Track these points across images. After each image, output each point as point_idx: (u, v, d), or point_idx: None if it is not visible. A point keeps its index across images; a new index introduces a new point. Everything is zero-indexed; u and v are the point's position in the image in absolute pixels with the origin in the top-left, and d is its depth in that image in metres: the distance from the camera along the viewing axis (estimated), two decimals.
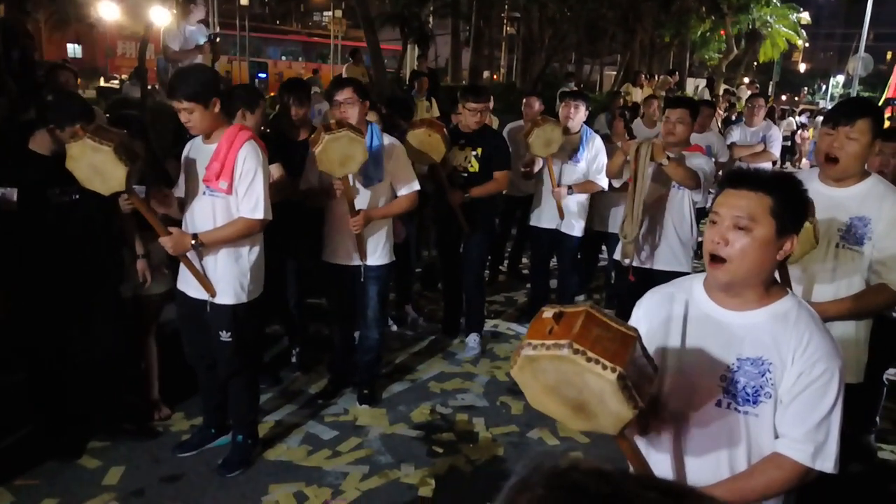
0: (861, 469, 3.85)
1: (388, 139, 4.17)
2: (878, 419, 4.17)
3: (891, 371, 4.42)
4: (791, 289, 2.40)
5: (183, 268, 3.40)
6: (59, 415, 3.68)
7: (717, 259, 1.71)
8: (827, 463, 1.69)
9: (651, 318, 1.89)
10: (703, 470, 1.78)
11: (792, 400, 1.69)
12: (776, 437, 1.72)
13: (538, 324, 1.49)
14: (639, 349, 1.49)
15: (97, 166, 2.96)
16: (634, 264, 4.44)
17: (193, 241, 3.25)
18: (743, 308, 1.76)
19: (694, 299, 1.83)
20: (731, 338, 1.75)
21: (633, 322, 1.94)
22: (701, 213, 6.59)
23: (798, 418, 1.68)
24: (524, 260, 7.25)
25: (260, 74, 24.36)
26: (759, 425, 1.73)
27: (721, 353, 1.75)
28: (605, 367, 1.39)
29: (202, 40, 6.85)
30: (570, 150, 5.39)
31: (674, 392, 1.80)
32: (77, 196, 3.28)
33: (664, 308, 1.87)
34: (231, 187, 3.25)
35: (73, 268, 3.44)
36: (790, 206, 1.70)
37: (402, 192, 4.17)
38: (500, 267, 7.25)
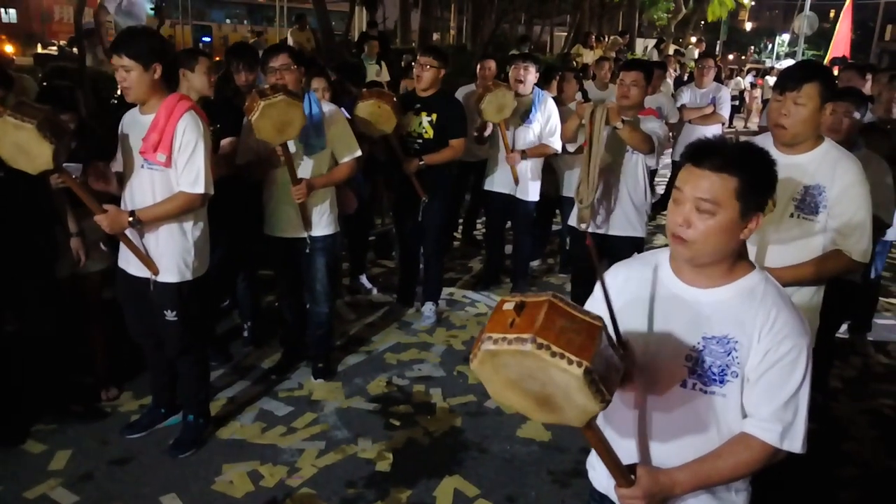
0: (812, 428, 3.92)
1: (326, 106, 4.05)
2: (828, 379, 4.25)
3: (840, 329, 4.51)
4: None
5: (123, 245, 3.25)
6: (0, 398, 3.53)
7: (678, 239, 1.66)
8: (795, 443, 1.66)
9: (615, 296, 1.80)
10: (670, 453, 1.74)
11: (759, 378, 1.64)
12: (744, 416, 1.68)
13: (499, 316, 1.42)
14: (605, 340, 1.42)
15: (21, 145, 2.78)
16: (590, 230, 4.43)
17: (131, 219, 3.11)
18: (708, 285, 1.70)
19: (659, 277, 1.77)
20: (697, 316, 1.69)
21: (596, 300, 1.88)
22: (653, 176, 6.66)
23: (765, 397, 1.64)
24: (479, 226, 7.20)
25: (204, 38, 23.63)
26: (727, 405, 1.67)
27: (686, 332, 1.70)
28: (570, 362, 1.32)
29: (148, 6, 6.57)
30: (521, 113, 5.34)
31: (639, 374, 1.74)
32: (2, 174, 3.09)
33: (628, 287, 1.80)
34: (170, 160, 3.10)
35: (1, 248, 3.26)
36: (756, 186, 1.63)
37: (344, 159, 4.06)
38: (455, 234, 7.19)
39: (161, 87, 3.14)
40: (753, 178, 1.62)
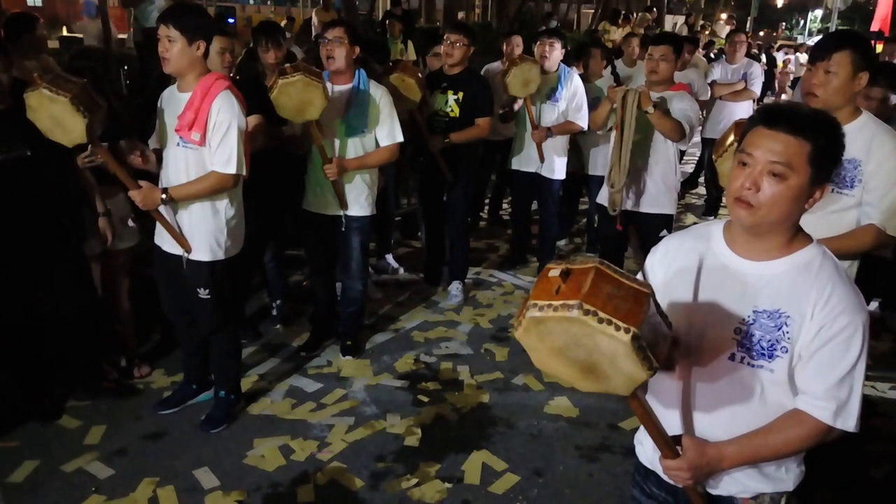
0: None
1: (374, 86, 4.03)
2: None
3: (871, 306, 4.45)
4: None
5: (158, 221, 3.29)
6: (35, 376, 3.61)
7: (743, 203, 1.61)
8: (849, 422, 1.62)
9: (667, 266, 1.80)
10: (714, 425, 1.72)
11: (812, 355, 1.60)
12: (796, 393, 1.65)
13: (544, 283, 1.39)
14: (653, 306, 1.38)
15: (56, 117, 2.83)
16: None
17: (164, 196, 3.14)
18: (763, 258, 1.66)
19: (712, 248, 1.74)
20: (748, 289, 1.66)
21: (647, 268, 1.87)
22: (682, 154, 6.57)
23: (819, 374, 1.60)
24: (505, 205, 7.18)
25: (228, 19, 23.62)
26: (774, 380, 1.64)
27: (737, 304, 1.67)
28: (617, 328, 1.30)
29: None
30: (548, 90, 5.29)
31: (686, 345, 1.71)
32: (28, 153, 3.14)
33: (681, 256, 1.78)
34: (204, 139, 3.12)
35: (29, 228, 3.31)
36: (828, 154, 1.58)
37: (384, 142, 4.06)
38: (481, 213, 7.18)
39: (201, 66, 3.16)
40: (827, 144, 1.58)
